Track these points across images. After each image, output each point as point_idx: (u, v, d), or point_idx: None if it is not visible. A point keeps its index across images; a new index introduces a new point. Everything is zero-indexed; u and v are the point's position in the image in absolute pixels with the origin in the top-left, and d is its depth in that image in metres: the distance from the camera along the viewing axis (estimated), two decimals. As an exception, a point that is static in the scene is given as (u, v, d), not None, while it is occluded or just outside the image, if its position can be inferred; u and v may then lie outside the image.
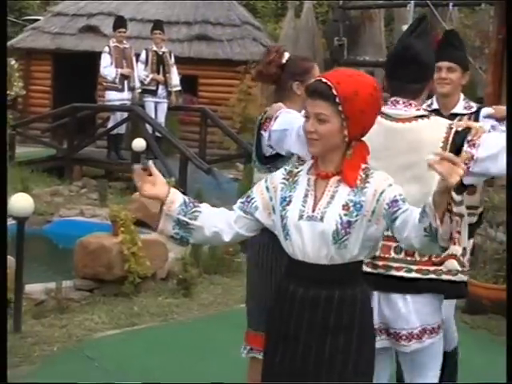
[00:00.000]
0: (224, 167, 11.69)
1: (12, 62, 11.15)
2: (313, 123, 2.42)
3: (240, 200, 2.60)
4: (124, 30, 11.18)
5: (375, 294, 2.88)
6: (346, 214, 2.42)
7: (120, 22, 11.30)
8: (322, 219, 2.43)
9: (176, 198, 2.49)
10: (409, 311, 2.89)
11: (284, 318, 2.51)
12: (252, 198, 2.57)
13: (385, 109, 2.94)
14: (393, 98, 2.95)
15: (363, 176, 2.47)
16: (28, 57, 15.03)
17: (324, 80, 2.42)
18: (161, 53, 11.28)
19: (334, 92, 2.39)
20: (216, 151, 12.38)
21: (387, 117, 2.92)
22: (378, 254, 2.84)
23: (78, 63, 13.98)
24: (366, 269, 2.80)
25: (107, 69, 10.87)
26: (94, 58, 13.86)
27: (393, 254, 2.89)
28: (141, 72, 11.14)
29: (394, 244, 2.82)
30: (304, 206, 2.47)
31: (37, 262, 6.94)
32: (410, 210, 2.37)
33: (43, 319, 5.26)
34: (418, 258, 2.88)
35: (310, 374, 2.46)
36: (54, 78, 15.16)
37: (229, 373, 4.47)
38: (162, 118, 11.29)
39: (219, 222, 2.52)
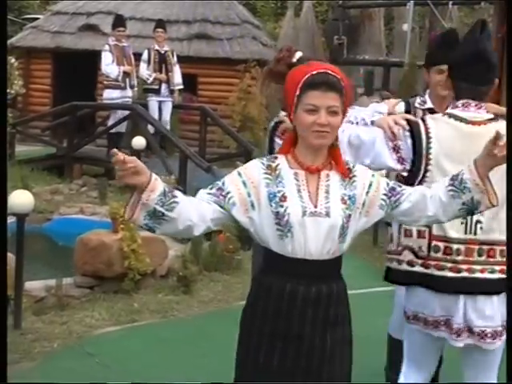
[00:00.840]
0: (224, 166, 11.66)
1: (12, 60, 11.12)
2: (325, 116, 2.37)
3: (208, 191, 2.44)
4: (123, 28, 11.19)
5: (460, 296, 2.91)
6: (346, 208, 2.43)
7: (119, 21, 11.30)
8: (327, 214, 2.41)
9: (156, 186, 2.29)
10: (494, 311, 2.93)
11: (282, 317, 2.43)
12: (228, 193, 2.42)
13: (456, 111, 2.97)
14: (464, 101, 2.97)
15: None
16: (28, 55, 15.01)
17: (331, 72, 2.40)
18: (163, 52, 11.28)
19: (342, 84, 2.41)
20: (216, 150, 12.37)
21: (461, 120, 2.94)
22: (461, 258, 2.91)
23: (78, 62, 13.97)
24: (447, 274, 2.90)
25: (109, 67, 10.84)
26: (93, 56, 13.86)
27: (476, 257, 2.93)
28: (143, 71, 11.13)
29: (476, 247, 2.90)
30: (303, 202, 2.41)
31: (37, 260, 6.93)
32: (417, 191, 2.54)
33: (43, 316, 5.27)
34: (499, 259, 2.93)
35: (313, 371, 2.44)
36: (53, 76, 15.14)
37: (229, 369, 4.46)
38: (167, 117, 11.29)
39: (194, 216, 2.36)
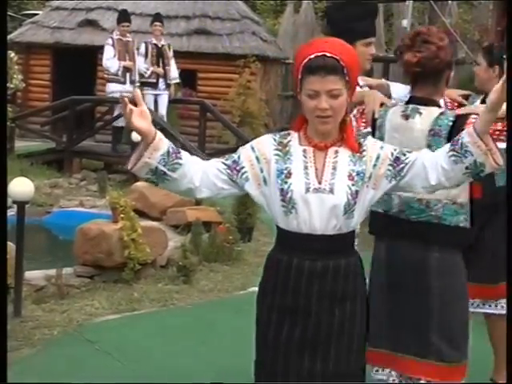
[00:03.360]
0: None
1: (11, 54, 11.08)
2: (326, 100, 2.37)
3: (223, 161, 2.49)
4: (128, 24, 11.23)
5: None
6: (353, 184, 2.44)
7: (124, 16, 11.32)
8: (331, 191, 2.42)
9: (161, 145, 2.38)
10: None
11: (289, 291, 2.46)
12: (242, 168, 2.47)
13: None
14: None
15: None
16: (27, 51, 15.01)
17: (328, 54, 2.37)
18: (160, 46, 11.31)
19: (342, 64, 2.38)
20: (215, 145, 12.37)
21: None
22: None
23: (77, 57, 13.98)
24: None
25: (110, 61, 10.88)
26: (92, 52, 13.89)
27: None
28: (141, 65, 11.15)
29: None
30: (308, 179, 2.43)
31: (37, 253, 6.93)
32: (418, 160, 2.47)
33: (43, 304, 5.27)
34: None
35: (320, 344, 2.46)
36: (53, 72, 15.15)
37: (228, 356, 4.48)
38: (163, 111, 11.32)
39: (197, 180, 2.44)
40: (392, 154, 2.50)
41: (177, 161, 2.40)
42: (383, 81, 3.68)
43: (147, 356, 4.50)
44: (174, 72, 11.44)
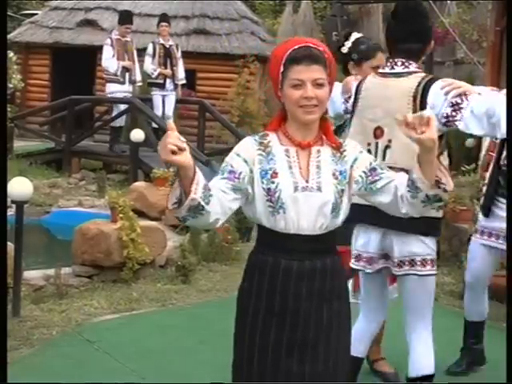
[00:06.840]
0: (222, 161, 11.62)
1: (10, 54, 11.09)
2: (312, 89, 2.38)
3: (221, 177, 2.38)
4: (130, 25, 11.15)
5: None
6: (338, 183, 2.45)
7: (128, 17, 11.20)
8: (319, 189, 2.42)
9: (200, 178, 2.22)
10: None
11: (276, 293, 2.43)
12: (240, 173, 2.40)
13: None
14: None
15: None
16: (26, 51, 15.03)
17: (312, 45, 2.40)
18: (168, 46, 11.26)
19: (325, 55, 2.42)
20: (214, 145, 12.39)
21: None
22: None
23: (76, 57, 13.99)
24: None
25: (109, 61, 10.84)
26: (91, 51, 13.91)
27: None
28: (148, 65, 11.11)
29: None
30: (295, 178, 2.41)
31: (36, 252, 6.94)
32: (391, 183, 2.49)
33: (42, 304, 5.27)
34: None
35: (309, 344, 2.45)
36: (52, 72, 15.17)
37: (227, 356, 4.47)
38: (170, 111, 11.30)
39: (219, 208, 2.33)
40: (370, 162, 2.52)
41: (209, 192, 2.27)
42: None
43: (146, 356, 4.50)
44: (181, 73, 11.42)
